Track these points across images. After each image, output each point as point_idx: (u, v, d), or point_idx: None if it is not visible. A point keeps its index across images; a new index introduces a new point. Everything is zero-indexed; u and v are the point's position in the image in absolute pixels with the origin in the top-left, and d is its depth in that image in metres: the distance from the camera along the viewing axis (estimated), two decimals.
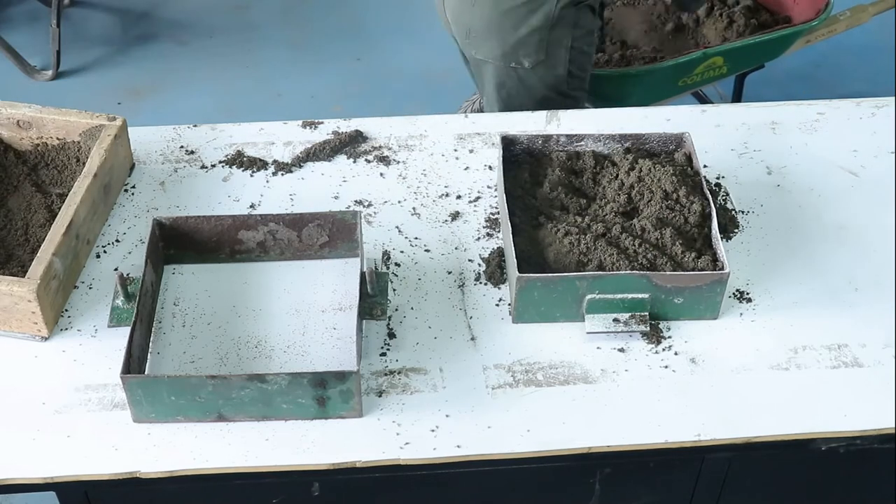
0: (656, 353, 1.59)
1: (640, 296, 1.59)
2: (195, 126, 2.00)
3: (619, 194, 1.73)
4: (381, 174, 1.90)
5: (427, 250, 1.76)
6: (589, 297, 1.58)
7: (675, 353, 1.59)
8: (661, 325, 1.62)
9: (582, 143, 1.82)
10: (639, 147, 1.81)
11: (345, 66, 3.83)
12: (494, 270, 1.70)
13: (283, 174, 1.90)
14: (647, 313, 1.59)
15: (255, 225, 1.68)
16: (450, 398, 1.53)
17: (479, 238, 1.77)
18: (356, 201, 1.85)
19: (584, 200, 1.73)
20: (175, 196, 1.85)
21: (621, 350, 1.59)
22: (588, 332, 1.60)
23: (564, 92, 2.26)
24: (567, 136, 1.82)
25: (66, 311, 1.65)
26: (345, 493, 1.61)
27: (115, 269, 1.69)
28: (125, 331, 1.51)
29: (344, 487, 1.59)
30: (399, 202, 1.84)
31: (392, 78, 3.78)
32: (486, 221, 1.80)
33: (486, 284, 1.69)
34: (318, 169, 1.91)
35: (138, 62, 3.89)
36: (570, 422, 1.50)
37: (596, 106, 2.47)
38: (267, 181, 1.88)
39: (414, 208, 1.83)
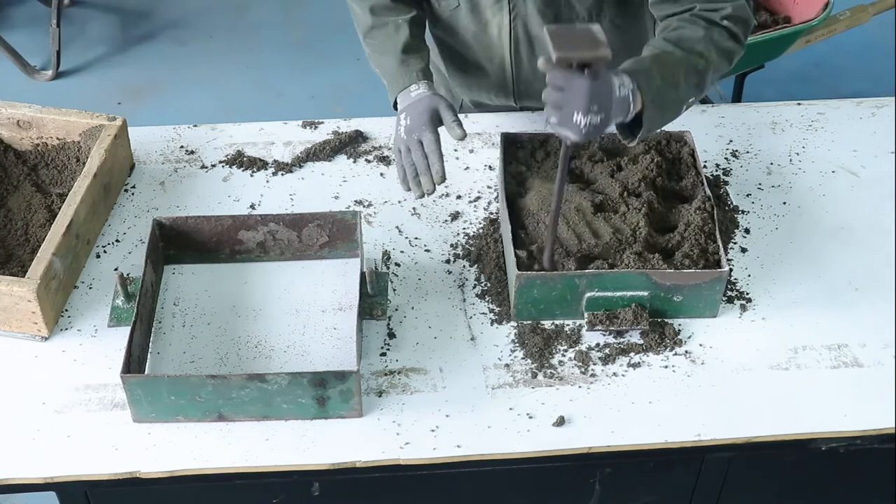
0: (656, 352, 1.59)
1: (639, 293, 1.59)
2: (195, 126, 2.00)
3: (618, 191, 1.73)
4: (381, 174, 1.90)
5: (427, 250, 1.75)
6: (588, 294, 1.58)
7: (675, 353, 1.59)
8: (661, 324, 1.62)
9: None
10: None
11: (345, 66, 3.83)
12: (494, 270, 1.70)
13: (283, 174, 1.90)
14: (646, 311, 1.59)
15: (255, 225, 1.68)
16: (450, 398, 1.53)
17: (479, 237, 1.77)
18: (356, 201, 1.85)
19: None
20: (175, 196, 1.85)
21: (621, 349, 1.59)
22: (587, 331, 1.60)
23: None
24: None
25: (66, 311, 1.65)
26: (345, 493, 1.61)
27: (115, 269, 1.69)
28: (125, 331, 1.51)
29: (344, 487, 1.59)
30: (399, 202, 1.84)
31: None
32: (486, 221, 1.80)
33: (486, 284, 1.69)
34: (318, 169, 1.91)
35: (138, 62, 3.90)
36: (570, 422, 1.50)
37: None
38: (267, 181, 1.88)
39: (414, 208, 1.83)
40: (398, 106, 1.78)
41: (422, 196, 1.69)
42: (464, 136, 1.68)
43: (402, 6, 1.86)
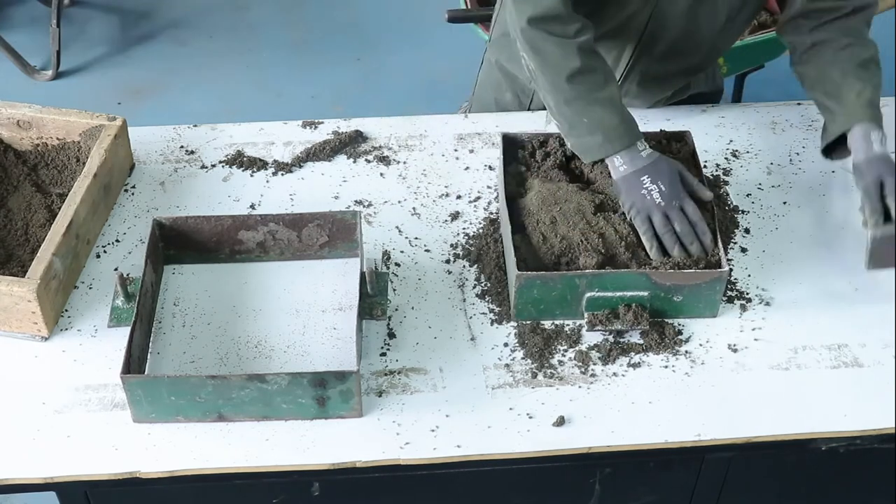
0: (656, 352, 1.59)
1: (639, 293, 1.59)
2: (195, 126, 2.00)
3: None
4: (381, 174, 1.90)
5: (427, 250, 1.76)
6: (588, 294, 1.58)
7: (675, 353, 1.59)
8: (661, 324, 1.62)
9: None
10: None
11: (345, 66, 3.83)
12: (494, 270, 1.70)
13: (283, 174, 1.90)
14: (646, 311, 1.59)
15: (255, 225, 1.68)
16: (450, 398, 1.53)
17: (479, 237, 1.77)
18: (356, 201, 1.85)
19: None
20: (175, 196, 1.85)
21: (621, 349, 1.59)
22: (587, 331, 1.60)
23: None
24: None
25: (66, 311, 1.65)
26: (345, 493, 1.61)
27: (115, 269, 1.69)
28: (125, 331, 1.51)
29: (344, 487, 1.59)
30: (399, 202, 1.84)
31: (392, 78, 3.78)
32: (486, 221, 1.80)
33: (486, 284, 1.69)
34: (318, 169, 1.91)
35: (138, 62, 3.90)
36: (570, 422, 1.50)
37: None
38: (267, 181, 1.88)
39: (414, 208, 1.83)
40: (619, 159, 1.68)
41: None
42: (712, 197, 1.70)
43: (599, 52, 1.75)
